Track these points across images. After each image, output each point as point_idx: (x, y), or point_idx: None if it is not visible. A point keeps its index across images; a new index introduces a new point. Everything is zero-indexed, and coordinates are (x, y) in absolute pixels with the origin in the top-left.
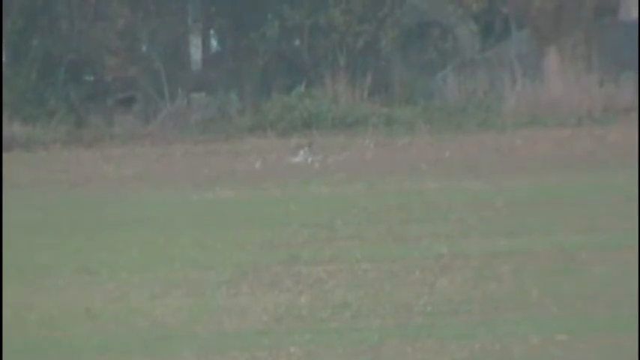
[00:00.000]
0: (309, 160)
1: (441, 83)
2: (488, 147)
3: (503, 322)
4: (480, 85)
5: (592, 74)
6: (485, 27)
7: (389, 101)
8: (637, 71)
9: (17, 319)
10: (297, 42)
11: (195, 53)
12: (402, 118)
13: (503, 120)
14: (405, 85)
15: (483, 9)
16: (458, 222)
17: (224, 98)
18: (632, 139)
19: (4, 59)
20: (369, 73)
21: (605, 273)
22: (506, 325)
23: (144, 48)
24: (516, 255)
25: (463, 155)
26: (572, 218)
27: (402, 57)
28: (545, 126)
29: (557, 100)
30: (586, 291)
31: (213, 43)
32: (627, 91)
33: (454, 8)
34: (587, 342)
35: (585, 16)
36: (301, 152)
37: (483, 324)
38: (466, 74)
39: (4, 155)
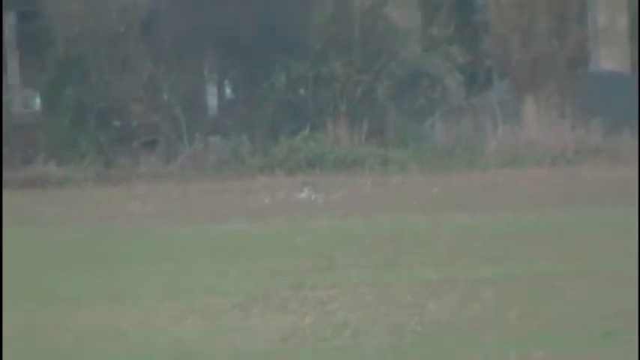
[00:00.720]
0: (313, 196)
1: (430, 128)
2: (474, 184)
3: (487, 341)
4: (466, 129)
5: (565, 120)
6: (469, 77)
7: (384, 144)
8: (604, 117)
9: (53, 340)
10: (302, 91)
11: (212, 101)
12: (395, 158)
13: (486, 160)
14: (398, 129)
15: (468, 61)
16: (446, 251)
17: (237, 141)
18: (600, 176)
19: (40, 107)
20: (366, 119)
21: (579, 297)
22: (490, 343)
23: (165, 97)
24: (499, 280)
25: (451, 192)
26: (549, 248)
27: (396, 104)
28: (524, 165)
29: (534, 142)
30: (562, 313)
31: (228, 91)
32: (596, 135)
33: (442, 61)
34: (562, 358)
35: (559, 68)
36: (306, 189)
37: (469, 343)
38: (453, 119)
39: (40, 193)
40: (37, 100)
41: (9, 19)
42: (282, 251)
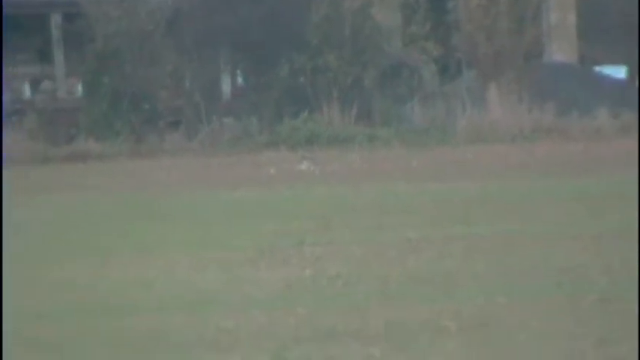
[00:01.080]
0: (312, 168)
1: (409, 110)
2: (446, 159)
3: (458, 289)
4: (439, 112)
5: (523, 104)
6: (442, 68)
7: (371, 124)
8: (556, 102)
9: (88, 288)
10: (301, 79)
11: (226, 88)
12: (380, 136)
13: (456, 138)
14: (383, 112)
15: (441, 54)
16: (424, 214)
17: (247, 122)
18: (553, 152)
19: (81, 94)
20: (356, 103)
21: (536, 253)
22: (460, 291)
23: (187, 84)
24: (469, 238)
25: (427, 165)
26: (511, 212)
27: (381, 91)
28: (488, 142)
29: (497, 122)
30: (522, 266)
31: (239, 80)
32: (549, 116)
33: (419, 54)
34: (521, 305)
35: (517, 60)
36: (305, 162)
37: (443, 291)
38: (428, 104)
39: (82, 166)
40: (79, 88)
41: (55, 19)
42: (285, 214)
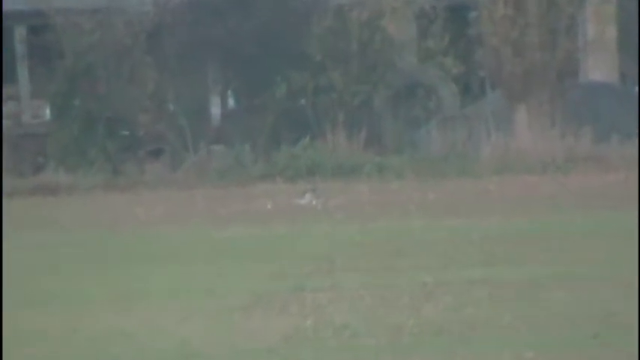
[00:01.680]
0: (313, 202)
1: (425, 136)
2: (467, 192)
3: (479, 341)
4: (460, 138)
5: (555, 128)
6: (463, 87)
7: (381, 151)
8: (593, 126)
9: (61, 341)
10: (302, 101)
11: (215, 111)
12: (392, 165)
13: (479, 167)
14: (394, 137)
15: (462, 72)
16: (440, 254)
17: (239, 149)
18: (589, 183)
19: (50, 117)
20: (364, 127)
21: (567, 299)
22: (482, 343)
23: (170, 107)
24: (491, 283)
25: (445, 198)
26: (538, 252)
27: (392, 113)
28: (515, 172)
29: (525, 150)
30: (551, 315)
31: (231, 101)
32: (585, 143)
33: (437, 72)
34: (551, 358)
35: (549, 78)
36: (306, 195)
37: (462, 343)
38: (447, 128)
39: (51, 199)
40: (47, 111)
41: (20, 32)
42: (283, 255)
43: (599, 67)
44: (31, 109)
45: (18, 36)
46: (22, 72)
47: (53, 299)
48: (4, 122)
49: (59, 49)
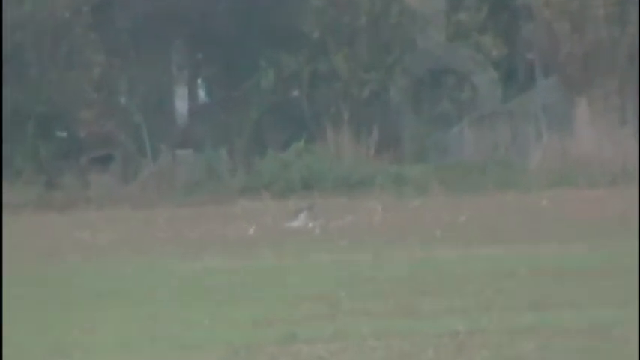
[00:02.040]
0: (309, 225)
1: (456, 138)
2: (510, 210)
3: None
4: (501, 140)
5: (626, 126)
6: (507, 74)
7: (398, 159)
8: None
9: None
10: (294, 92)
11: (181, 105)
12: (413, 177)
13: (527, 179)
14: (416, 140)
15: (505, 54)
16: (475, 294)
17: (213, 156)
18: None
19: None
20: (376, 127)
21: None
22: None
23: (122, 99)
24: (541, 331)
25: (482, 219)
26: (604, 290)
27: (414, 108)
28: (575, 186)
29: (587, 156)
30: None
31: (201, 93)
32: None
33: (472, 53)
34: None
35: (619, 61)
36: (300, 216)
37: None
38: (485, 128)
39: None
40: None
41: None
42: (269, 294)
43: None
44: None
45: None
46: None
47: None
48: None
49: None
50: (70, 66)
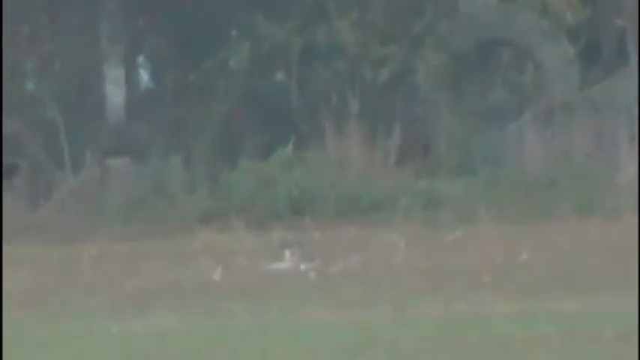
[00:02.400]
0: (301, 267)
1: (514, 141)
2: (592, 242)
3: None
4: (579, 144)
5: None
6: (587, 48)
7: (430, 171)
8: None
9: None
10: (279, 75)
11: (114, 94)
12: (450, 197)
13: (615, 198)
14: (454, 143)
15: (584, 20)
16: None
17: (161, 166)
18: None
19: None
20: (398, 125)
21: None
22: None
23: (30, 85)
24: None
25: (550, 257)
26: None
27: (451, 98)
28: None
29: None
30: None
31: (143, 76)
32: None
33: (537, 18)
34: None
35: None
36: (287, 254)
37: None
38: (556, 125)
39: None
40: None
41: None
42: None
43: None
44: None
45: None
46: None
47: None
48: None
49: None
50: None
